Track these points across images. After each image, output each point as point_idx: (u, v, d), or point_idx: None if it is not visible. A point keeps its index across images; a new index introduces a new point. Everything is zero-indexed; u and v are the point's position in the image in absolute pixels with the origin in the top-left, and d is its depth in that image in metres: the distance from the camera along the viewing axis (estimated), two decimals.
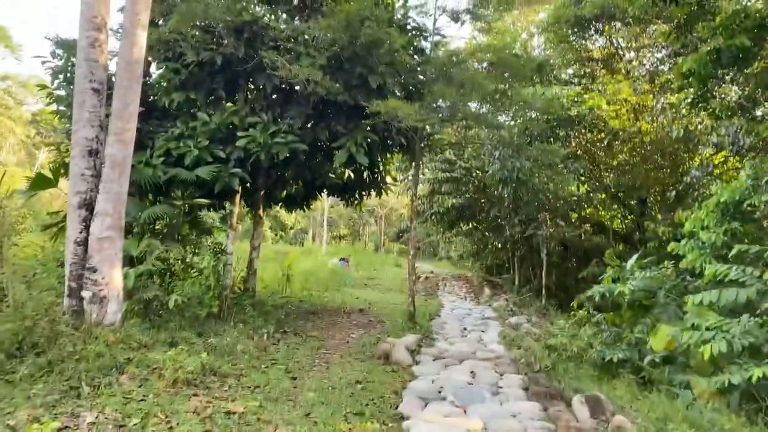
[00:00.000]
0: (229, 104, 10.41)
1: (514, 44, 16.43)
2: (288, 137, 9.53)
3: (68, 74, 10.00)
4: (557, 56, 19.31)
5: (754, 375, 5.19)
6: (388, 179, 13.83)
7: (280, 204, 14.24)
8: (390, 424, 5.10)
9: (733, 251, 7.13)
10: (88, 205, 7.04)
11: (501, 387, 6.80)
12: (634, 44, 18.68)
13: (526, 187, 16.23)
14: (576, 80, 19.49)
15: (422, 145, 11.97)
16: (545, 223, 17.57)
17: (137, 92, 7.31)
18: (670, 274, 9.23)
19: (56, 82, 10.23)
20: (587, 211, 19.85)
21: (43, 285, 7.90)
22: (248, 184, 10.99)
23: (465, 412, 5.63)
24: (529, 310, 15.07)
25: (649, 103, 17.41)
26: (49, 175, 9.40)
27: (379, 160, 12.34)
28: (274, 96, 10.76)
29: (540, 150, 13.17)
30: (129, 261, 8.40)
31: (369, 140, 10.19)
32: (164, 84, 10.35)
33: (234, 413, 4.98)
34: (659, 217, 17.57)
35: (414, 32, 10.93)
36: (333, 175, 12.18)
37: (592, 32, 18.29)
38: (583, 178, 17.85)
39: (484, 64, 11.65)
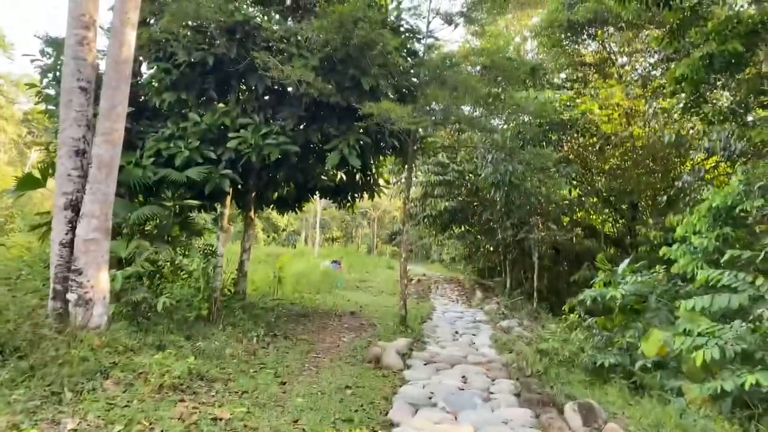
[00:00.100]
0: (220, 105, 10.31)
1: (507, 48, 16.44)
2: (280, 138, 9.45)
3: (57, 73, 9.87)
4: (550, 60, 19.33)
5: (746, 382, 5.15)
6: (381, 182, 13.74)
7: (271, 206, 14.14)
8: (379, 431, 5.03)
9: (726, 256, 7.11)
10: (75, 206, 6.92)
11: (492, 392, 6.74)
12: (626, 49, 18.74)
13: (519, 190, 16.21)
14: (568, 84, 19.52)
15: (415, 147, 11.91)
16: (537, 226, 17.58)
17: (126, 92, 7.21)
18: (662, 278, 9.21)
19: (45, 80, 10.10)
20: (579, 215, 19.86)
21: (28, 287, 7.79)
22: (239, 186, 10.90)
23: (456, 418, 5.56)
24: (521, 314, 15.04)
25: (641, 108, 17.45)
26: (38, 175, 9.27)
27: (372, 162, 12.27)
28: (266, 97, 10.68)
29: (533, 154, 13.15)
30: (117, 263, 8.31)
31: (361, 142, 10.12)
32: (155, 84, 10.24)
33: (220, 419, 4.89)
34: (650, 221, 17.60)
35: (407, 34, 10.88)
36: (325, 177, 12.10)
37: (585, 37, 18.33)
38: (574, 182, 17.87)
39: (478, 68, 11.61)
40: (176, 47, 9.75)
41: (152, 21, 10.32)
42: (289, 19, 11.14)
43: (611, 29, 17.61)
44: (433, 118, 10.88)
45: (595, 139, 17.59)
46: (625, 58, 19.33)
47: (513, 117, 14.56)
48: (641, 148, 17.14)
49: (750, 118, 11.16)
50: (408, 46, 10.89)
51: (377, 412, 5.61)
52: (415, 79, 11.03)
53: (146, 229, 9.60)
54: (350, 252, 36.13)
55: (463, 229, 23.61)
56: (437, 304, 17.16)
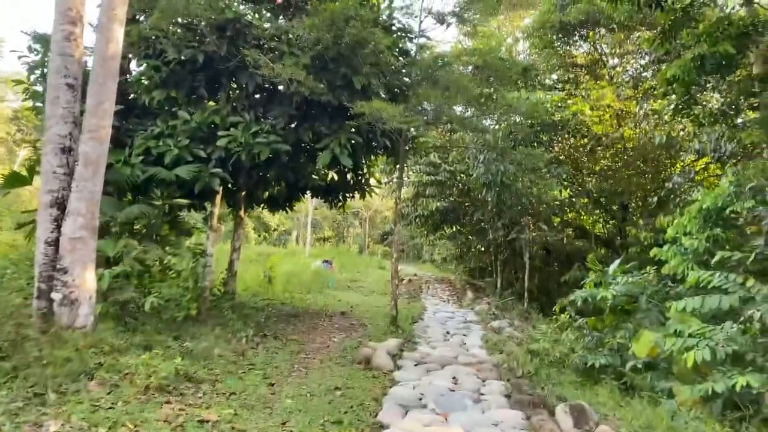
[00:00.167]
0: (210, 103, 10.25)
1: (499, 48, 16.44)
2: (270, 137, 9.38)
3: (45, 69, 9.73)
4: (542, 61, 19.35)
5: (738, 383, 5.14)
6: (372, 181, 13.69)
7: (262, 205, 14.05)
8: None
9: (716, 257, 7.11)
10: (60, 204, 6.81)
11: (483, 394, 6.70)
12: (617, 50, 18.79)
13: (510, 191, 16.20)
14: (560, 86, 19.55)
15: (407, 147, 11.87)
16: (528, 227, 17.58)
17: (113, 89, 7.10)
18: (652, 279, 9.21)
19: (33, 77, 9.98)
20: (569, 216, 19.89)
21: (13, 286, 7.66)
22: (229, 185, 10.83)
23: (446, 420, 5.50)
24: (512, 314, 15.03)
25: (632, 109, 17.51)
26: (24, 173, 9.16)
27: (363, 162, 12.21)
28: (256, 95, 10.60)
29: (524, 154, 13.14)
30: (105, 262, 8.22)
31: (353, 141, 10.06)
32: (144, 81, 10.15)
33: (207, 422, 4.81)
34: (641, 222, 17.64)
35: (399, 33, 10.83)
36: (316, 177, 12.03)
37: (577, 38, 18.36)
38: (565, 183, 17.89)
39: (470, 68, 11.58)
40: (166, 44, 9.66)
41: (141, 18, 10.23)
42: (280, 16, 11.07)
43: (603, 30, 17.65)
44: (425, 117, 10.84)
45: (586, 140, 17.63)
46: (616, 60, 19.38)
47: (504, 117, 14.55)
48: (632, 150, 17.19)
49: (739, 120, 11.21)
50: (400, 45, 10.84)
51: (367, 414, 5.55)
52: (407, 79, 10.98)
53: (135, 228, 9.49)
54: (341, 252, 36.03)
55: (454, 229, 23.60)
56: (428, 304, 17.13)
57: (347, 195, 13.29)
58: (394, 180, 18.07)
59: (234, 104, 10.23)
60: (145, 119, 10.03)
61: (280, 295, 14.42)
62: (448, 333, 11.61)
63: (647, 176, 16.97)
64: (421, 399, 6.22)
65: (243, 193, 11.49)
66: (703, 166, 14.38)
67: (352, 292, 18.25)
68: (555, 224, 19.36)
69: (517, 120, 14.84)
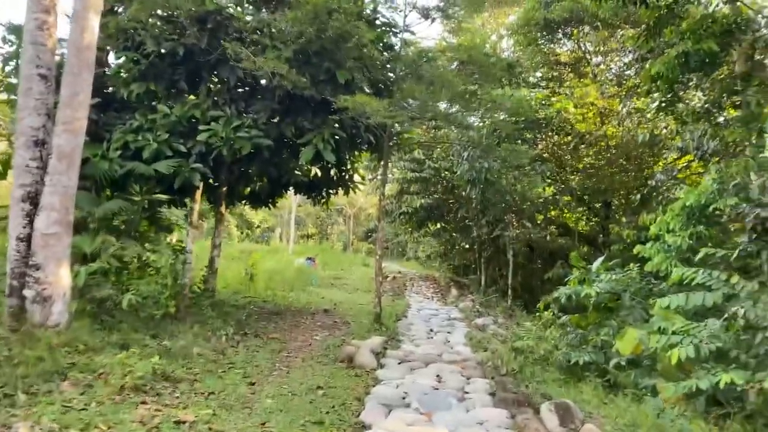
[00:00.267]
0: (191, 97, 10.06)
1: (484, 45, 16.37)
2: (252, 132, 9.24)
3: (19, 61, 9.48)
4: (526, 59, 19.34)
5: (721, 381, 5.11)
6: (357, 178, 13.57)
7: (244, 201, 13.88)
8: None
9: (700, 254, 7.10)
10: (33, 199, 6.60)
11: (467, 392, 6.62)
12: (601, 48, 18.84)
13: (494, 188, 16.17)
14: (544, 83, 19.57)
15: (391, 143, 11.76)
16: (512, 224, 17.58)
17: (88, 80, 6.90)
18: (635, 276, 9.21)
19: (7, 69, 9.71)
20: (553, 213, 19.94)
21: None
22: (210, 180, 10.67)
23: (430, 419, 5.41)
24: (495, 311, 15.02)
25: (616, 107, 17.57)
26: None
27: (347, 157, 12.09)
28: (238, 89, 10.45)
29: (509, 151, 13.10)
30: (82, 258, 8.04)
31: (336, 137, 9.93)
32: (123, 74, 9.95)
33: (184, 422, 4.66)
34: (624, 219, 17.75)
35: (383, 28, 10.71)
36: (299, 172, 11.89)
37: (561, 36, 18.37)
38: (549, 181, 17.91)
39: (454, 64, 11.49)
40: (145, 36, 9.47)
41: (120, 9, 9.99)
42: (262, 9, 10.90)
43: (587, 28, 17.68)
44: (410, 113, 10.73)
45: (569, 137, 17.66)
46: (600, 58, 19.44)
47: (489, 114, 14.51)
48: (615, 147, 17.25)
49: (721, 119, 11.26)
50: (384, 39, 10.73)
51: (349, 414, 5.44)
52: (391, 74, 10.88)
53: (113, 224, 9.29)
54: (325, 249, 35.83)
55: (438, 226, 23.55)
56: (412, 301, 17.06)
57: (331, 191, 13.17)
58: (378, 176, 17.98)
59: (215, 98, 10.06)
60: (124, 113, 9.85)
61: (262, 292, 14.24)
62: (432, 330, 11.54)
63: (630, 174, 17.04)
64: (404, 398, 6.12)
65: (224, 189, 11.31)
66: (685, 164, 14.45)
67: (335, 290, 18.12)
68: (538, 222, 19.39)
69: (502, 117, 14.82)
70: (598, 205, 18.58)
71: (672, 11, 9.46)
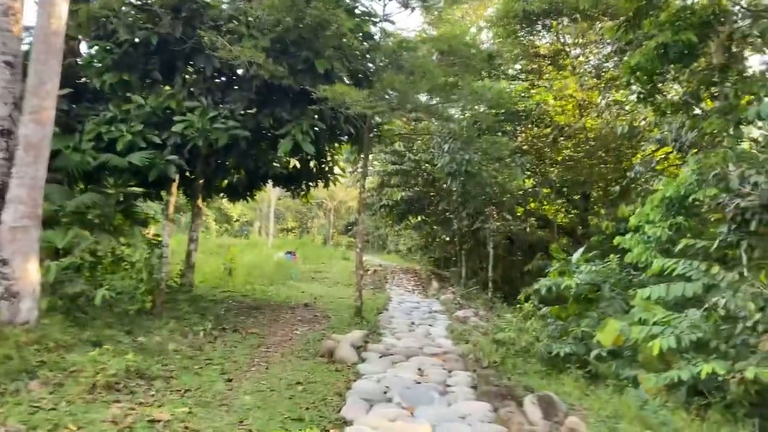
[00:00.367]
0: (166, 87, 9.84)
1: (464, 35, 16.31)
2: (228, 123, 9.08)
3: None
4: (506, 51, 19.31)
5: (702, 371, 5.11)
6: (337, 170, 13.41)
7: (221, 194, 13.65)
8: (331, 431, 4.73)
9: (680, 245, 7.13)
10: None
11: (449, 385, 6.55)
12: (580, 40, 18.89)
13: (475, 180, 16.15)
14: (523, 75, 19.57)
15: (371, 135, 11.63)
16: (492, 216, 17.60)
17: (56, 68, 6.65)
18: (615, 268, 9.24)
19: None
20: (532, 206, 20.02)
21: None
22: (186, 173, 10.47)
23: (412, 414, 5.32)
24: (476, 303, 15.03)
25: (595, 99, 17.65)
26: None
27: (327, 149, 11.95)
28: (214, 79, 10.26)
29: (489, 143, 13.05)
30: (55, 253, 7.84)
31: (316, 128, 9.79)
32: (95, 64, 9.68)
33: (159, 421, 4.50)
34: (602, 211, 17.88)
35: (363, 17, 10.54)
36: (278, 164, 11.71)
37: (540, 28, 18.35)
38: (529, 173, 17.95)
39: (435, 56, 11.38)
40: (117, 25, 9.25)
41: None
42: None
43: (566, 20, 17.68)
44: (390, 103, 10.61)
45: (549, 130, 17.70)
46: (578, 50, 19.48)
47: (469, 106, 14.45)
48: (594, 140, 17.35)
49: (698, 111, 11.33)
50: (364, 28, 10.56)
51: (329, 410, 5.32)
52: (370, 64, 10.75)
53: (87, 218, 9.04)
54: (305, 243, 35.59)
55: (419, 219, 23.53)
56: (393, 294, 16.98)
57: (310, 184, 13.01)
58: (359, 169, 17.84)
59: (190, 88, 9.89)
60: (97, 104, 9.69)
61: (241, 287, 14.04)
62: (413, 323, 11.47)
63: (609, 166, 17.16)
64: (386, 392, 6.02)
65: (201, 182, 11.10)
66: (663, 155, 14.56)
67: (315, 284, 17.97)
68: (518, 214, 19.47)
69: (482, 109, 14.77)
70: (577, 197, 18.69)
71: (651, 2, 9.44)
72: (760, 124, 9.42)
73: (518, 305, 10.86)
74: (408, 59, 10.03)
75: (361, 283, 11.50)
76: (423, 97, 11.81)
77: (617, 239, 8.99)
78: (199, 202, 11.43)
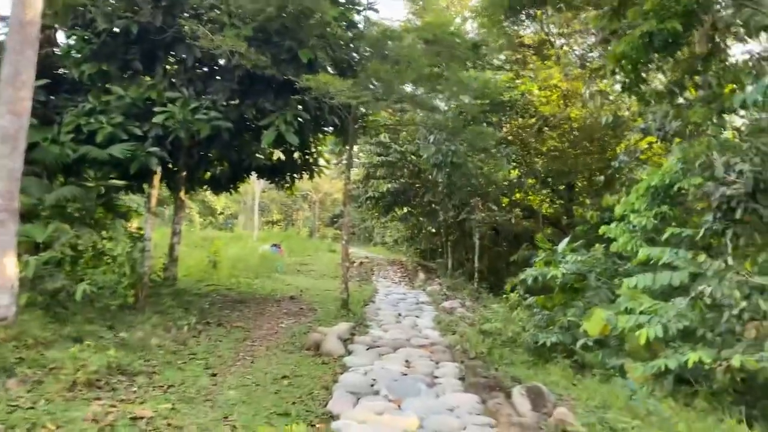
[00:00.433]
0: (146, 78, 9.64)
1: (450, 24, 16.22)
2: (211, 114, 8.93)
3: None
4: (491, 41, 19.23)
5: (690, 360, 5.12)
6: (321, 162, 13.29)
7: (204, 186, 13.47)
8: (318, 425, 4.65)
9: (666, 234, 7.15)
10: None
11: (437, 377, 6.52)
12: (565, 30, 18.86)
13: (460, 171, 16.11)
14: (508, 66, 19.52)
15: (356, 126, 11.52)
16: (478, 207, 17.60)
17: (32, 58, 6.47)
18: (601, 257, 9.26)
19: None
20: (518, 196, 20.06)
21: None
22: (168, 165, 10.29)
23: (399, 407, 5.27)
24: (463, 294, 15.03)
25: (579, 89, 17.65)
26: None
27: (311, 140, 11.82)
28: (195, 69, 10.09)
29: (475, 133, 13.01)
30: (35, 248, 7.70)
31: (299, 119, 9.67)
32: (74, 54, 9.46)
33: (141, 418, 4.40)
34: (587, 201, 17.96)
35: (347, 5, 10.40)
36: (261, 156, 11.58)
37: (524, 18, 18.28)
38: (514, 164, 17.96)
39: (420, 45, 11.28)
40: (96, 14, 9.05)
41: None
42: None
43: (550, 10, 17.63)
44: (375, 94, 10.50)
45: (533, 120, 17.70)
46: (563, 40, 19.46)
47: (455, 96, 14.39)
48: (578, 130, 17.38)
49: (682, 100, 11.37)
50: (348, 17, 10.43)
51: (316, 404, 5.24)
52: (355, 54, 10.63)
53: (67, 211, 8.87)
54: (291, 235, 35.36)
55: (405, 210, 23.48)
56: (380, 286, 16.93)
57: (295, 175, 12.87)
58: (344, 160, 17.72)
59: (171, 79, 9.74)
60: (75, 95, 9.51)
61: (225, 280, 13.89)
62: (400, 315, 11.43)
63: (593, 156, 17.20)
64: (373, 385, 5.97)
65: (183, 174, 10.93)
66: (647, 145, 14.62)
67: (301, 276, 17.86)
68: (504, 205, 19.49)
69: (467, 100, 14.71)
70: (561, 188, 18.75)
71: None
72: (742, 112, 9.49)
73: (504, 295, 10.88)
74: (393, 48, 9.93)
75: (347, 275, 11.43)
76: (408, 88, 11.71)
77: (603, 229, 9.01)
78: (182, 194, 11.26)
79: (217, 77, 9.93)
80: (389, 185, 21.40)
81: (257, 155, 11.36)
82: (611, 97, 17.02)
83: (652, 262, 6.88)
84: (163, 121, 8.78)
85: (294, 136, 9.30)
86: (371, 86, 10.12)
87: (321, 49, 9.36)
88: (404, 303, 13.36)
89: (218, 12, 9.30)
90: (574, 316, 8.24)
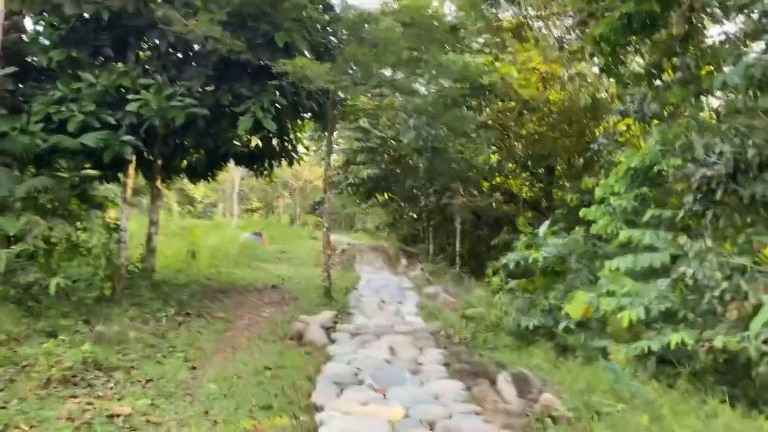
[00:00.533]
0: (118, 64, 9.36)
1: (427, 7, 16.06)
2: (186, 101, 8.72)
3: None
4: (469, 24, 19.10)
5: (672, 341, 5.14)
6: (300, 148, 13.10)
7: (181, 175, 13.20)
8: (301, 418, 4.56)
9: (646, 215, 7.17)
10: None
11: (421, 363, 6.50)
12: (543, 12, 18.79)
13: (441, 156, 16.06)
14: (487, 49, 19.42)
15: (335, 111, 11.36)
16: (458, 192, 17.60)
17: None
18: (581, 240, 9.28)
19: None
20: (498, 180, 20.10)
21: None
22: (144, 153, 10.06)
23: (384, 396, 5.23)
24: (445, 279, 15.06)
25: (558, 72, 17.64)
26: None
27: (289, 126, 11.62)
28: (169, 55, 9.82)
29: (455, 117, 12.93)
30: (6, 241, 7.51)
31: (277, 104, 9.46)
32: (42, 40, 9.15)
33: (118, 416, 4.29)
34: (567, 184, 18.04)
35: None
36: (238, 143, 11.39)
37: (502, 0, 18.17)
38: (494, 148, 17.97)
39: (398, 28, 11.13)
40: None
41: None
42: None
43: None
44: (353, 78, 10.35)
45: (513, 103, 17.67)
46: (541, 23, 19.41)
47: (434, 80, 14.29)
48: (557, 113, 17.40)
49: (659, 82, 11.42)
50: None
51: (299, 395, 5.15)
52: (332, 37, 10.44)
53: (39, 203, 8.63)
54: (271, 223, 35.11)
55: (386, 196, 23.41)
56: (363, 272, 16.90)
57: (273, 162, 12.66)
58: (323, 146, 17.53)
59: (145, 65, 9.49)
60: (45, 82, 9.21)
61: (205, 270, 13.68)
62: (383, 302, 11.41)
63: (572, 139, 17.26)
64: (357, 374, 5.91)
65: (159, 163, 10.68)
66: (625, 127, 14.68)
67: (283, 264, 17.73)
68: (484, 189, 19.52)
69: (447, 84, 14.61)
70: (541, 171, 18.81)
71: None
72: (719, 94, 9.55)
73: (486, 280, 10.89)
74: (370, 32, 9.77)
75: (329, 263, 11.36)
76: (387, 72, 11.57)
77: (582, 211, 9.02)
78: (159, 183, 11.03)
79: (192, 63, 9.70)
80: (370, 171, 21.30)
81: (234, 142, 11.17)
82: (589, 80, 17.06)
83: (633, 244, 6.91)
84: (137, 108, 8.57)
85: (271, 122, 9.12)
86: (350, 71, 9.96)
87: (297, 32, 9.16)
88: (387, 289, 13.33)
89: None
90: (555, 299, 8.26)
